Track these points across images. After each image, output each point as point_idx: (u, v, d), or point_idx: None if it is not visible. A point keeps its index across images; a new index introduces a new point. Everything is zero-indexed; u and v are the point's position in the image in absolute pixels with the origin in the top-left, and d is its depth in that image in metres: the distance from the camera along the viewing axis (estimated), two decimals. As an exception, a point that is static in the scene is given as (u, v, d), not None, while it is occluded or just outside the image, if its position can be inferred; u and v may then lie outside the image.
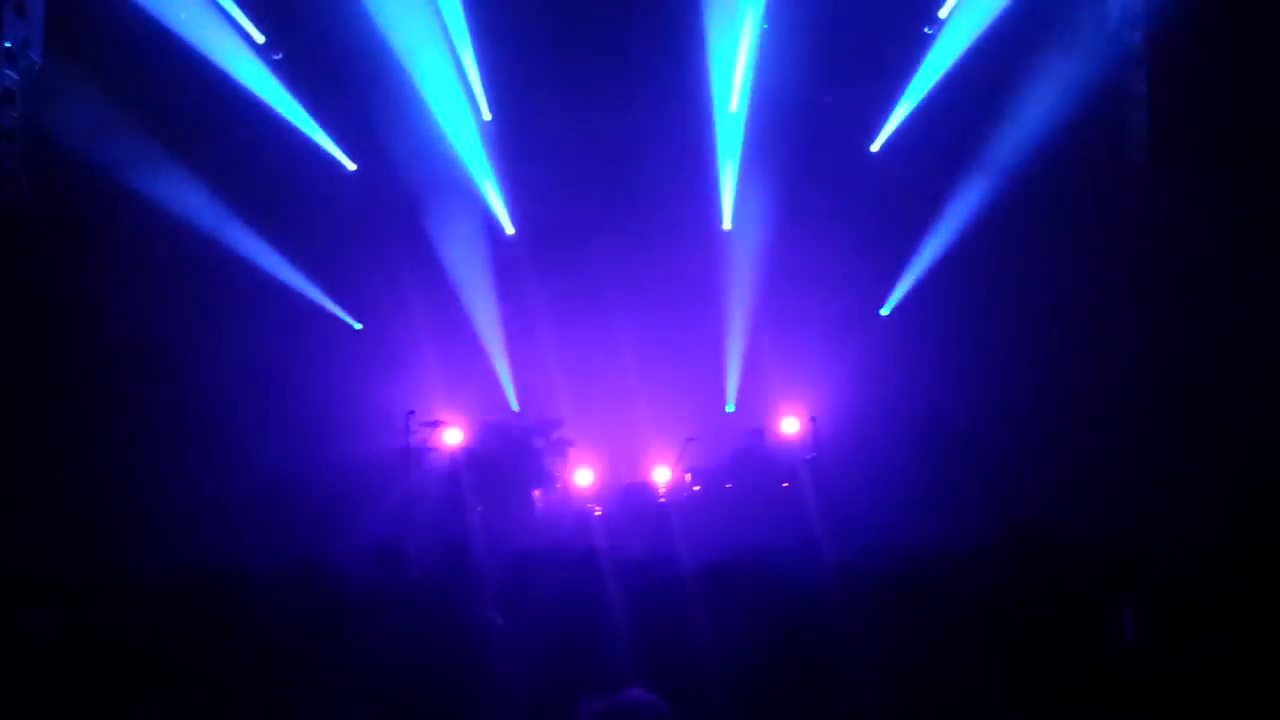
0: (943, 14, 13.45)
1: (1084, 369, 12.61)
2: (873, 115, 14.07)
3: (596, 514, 12.81)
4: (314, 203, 13.84)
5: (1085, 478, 11.55)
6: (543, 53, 13.77)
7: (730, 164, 14.30)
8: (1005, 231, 13.32)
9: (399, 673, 4.82)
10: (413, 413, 13.04)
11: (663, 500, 13.08)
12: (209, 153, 13.25)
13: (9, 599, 5.45)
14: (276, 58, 13.53)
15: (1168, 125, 12.71)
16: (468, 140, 14.22)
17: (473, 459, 13.16)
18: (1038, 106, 12.93)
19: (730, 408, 14.43)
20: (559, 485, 13.64)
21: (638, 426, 13.79)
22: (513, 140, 14.31)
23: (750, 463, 13.21)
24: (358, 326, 14.34)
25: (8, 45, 12.38)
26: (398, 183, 14.02)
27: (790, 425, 13.80)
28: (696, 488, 13.37)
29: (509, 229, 14.68)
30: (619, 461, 14.05)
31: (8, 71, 12.43)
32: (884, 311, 14.24)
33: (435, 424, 13.47)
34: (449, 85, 13.98)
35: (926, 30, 13.57)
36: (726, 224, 14.56)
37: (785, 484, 12.98)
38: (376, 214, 14.10)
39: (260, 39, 13.42)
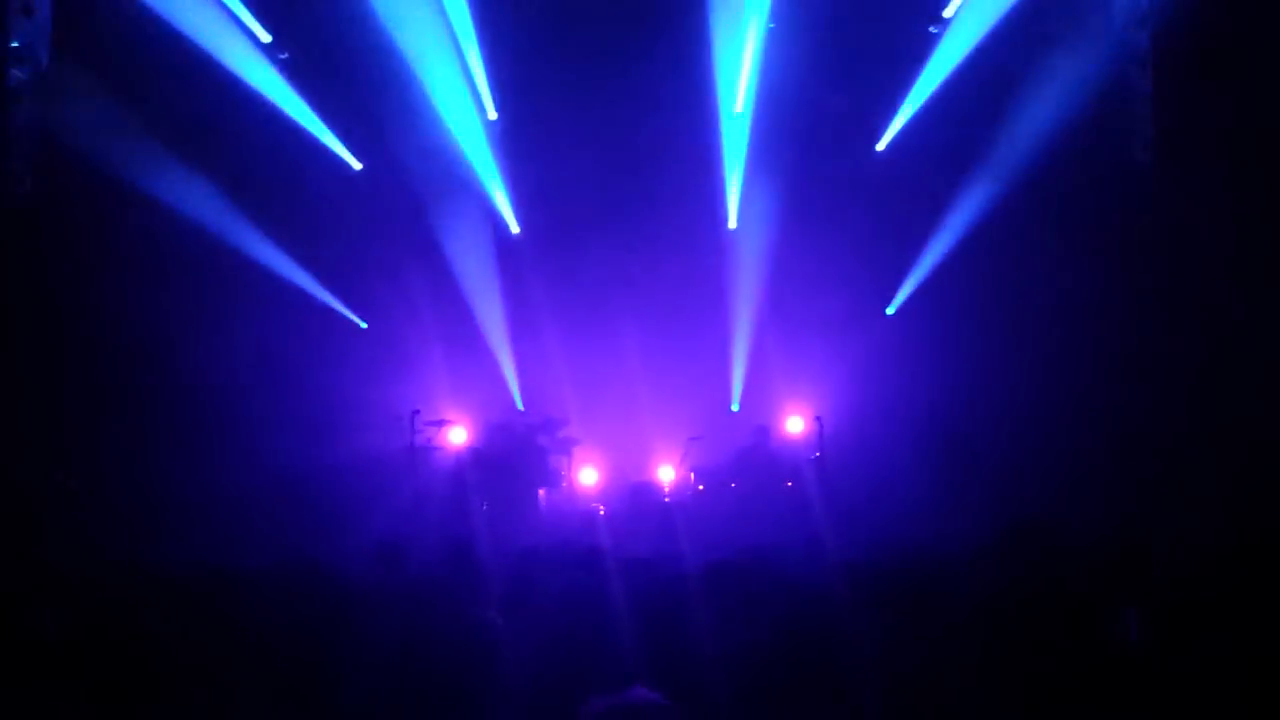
0: (948, 13, 13.43)
1: (1088, 369, 12.62)
2: (878, 115, 14.04)
3: (601, 513, 12.82)
4: (319, 202, 13.84)
5: (1089, 477, 11.55)
6: (548, 53, 13.78)
7: (736, 164, 14.29)
8: (1010, 231, 13.32)
9: (401, 672, 4.83)
10: (418, 412, 13.06)
11: (667, 499, 13.09)
12: (215, 152, 13.26)
13: (13, 597, 5.47)
14: (283, 57, 13.53)
15: (1172, 125, 12.69)
16: (473, 140, 14.21)
17: (478, 458, 13.18)
18: (1042, 106, 12.93)
19: (735, 407, 14.43)
20: (564, 484, 13.65)
21: (642, 425, 13.80)
22: (518, 140, 14.31)
23: (755, 462, 13.22)
24: (363, 325, 14.36)
25: (15, 45, 12.41)
26: (403, 182, 14.03)
27: (795, 425, 13.80)
28: (701, 487, 13.37)
29: (514, 228, 14.68)
30: (624, 460, 14.06)
31: (14, 71, 12.46)
32: (889, 311, 14.24)
33: (440, 423, 13.50)
34: (454, 85, 13.97)
35: (931, 30, 13.55)
36: (732, 224, 14.56)
37: (790, 483, 12.99)
38: (382, 213, 14.11)
39: (266, 38, 13.42)
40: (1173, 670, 4.29)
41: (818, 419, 13.29)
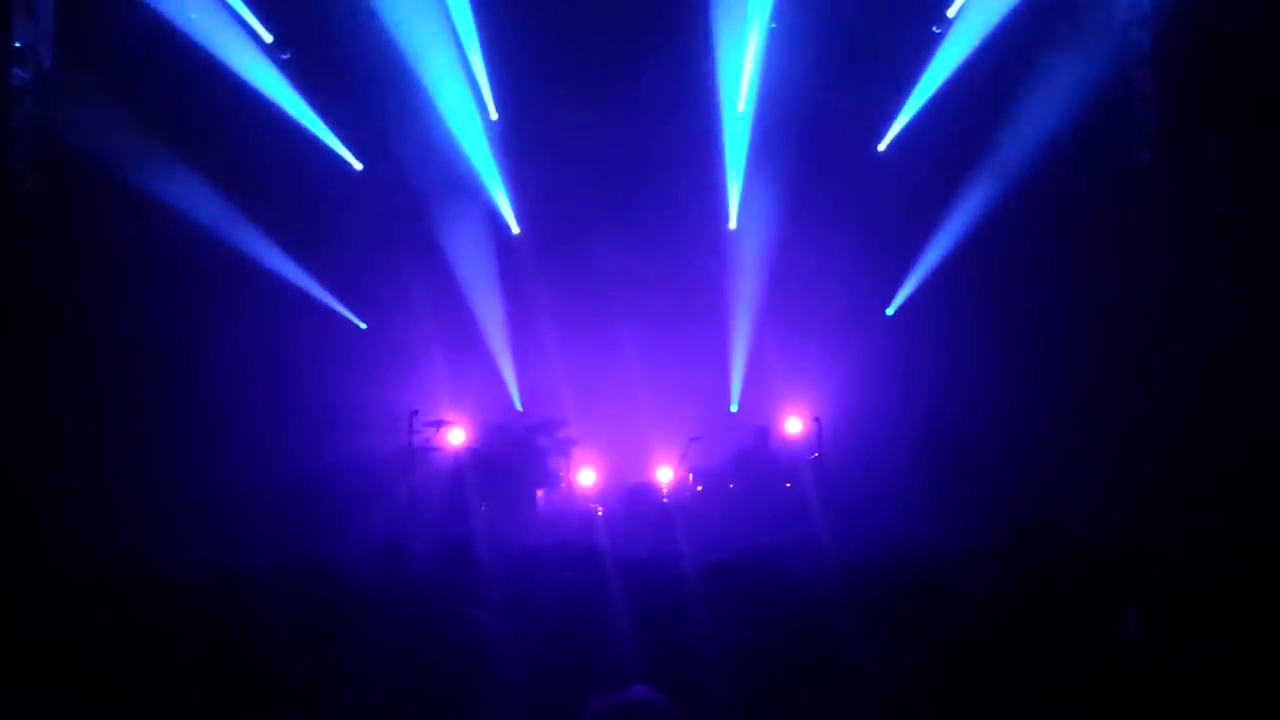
0: (951, 13, 13.44)
1: (1087, 369, 12.62)
2: (880, 115, 14.06)
3: (600, 514, 12.82)
4: (320, 202, 13.85)
5: (1088, 478, 11.55)
6: (549, 53, 13.78)
7: (736, 164, 14.29)
8: (1010, 231, 13.32)
9: (400, 672, 4.83)
10: (417, 412, 13.08)
11: (666, 500, 13.09)
12: (216, 152, 13.27)
13: (13, 597, 5.47)
14: (284, 57, 13.54)
15: (1174, 125, 12.70)
16: (474, 140, 14.23)
17: (476, 459, 13.18)
18: (1043, 106, 12.93)
19: (734, 408, 14.44)
20: (562, 485, 13.66)
21: (641, 426, 13.80)
22: (519, 140, 14.32)
23: (754, 463, 13.22)
24: (363, 326, 14.36)
25: (17, 45, 12.42)
26: (404, 182, 14.04)
27: (794, 425, 13.81)
28: (700, 488, 13.38)
29: (515, 228, 14.69)
30: (622, 461, 14.07)
31: (17, 71, 12.48)
32: (889, 312, 14.24)
33: (439, 424, 13.51)
34: (455, 85, 13.98)
35: (935, 29, 13.56)
36: (732, 224, 14.56)
37: (788, 484, 12.99)
38: (382, 213, 14.12)
39: (268, 38, 13.44)
40: (1173, 670, 4.29)
41: (816, 420, 13.29)
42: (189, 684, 4.77)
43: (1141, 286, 12.53)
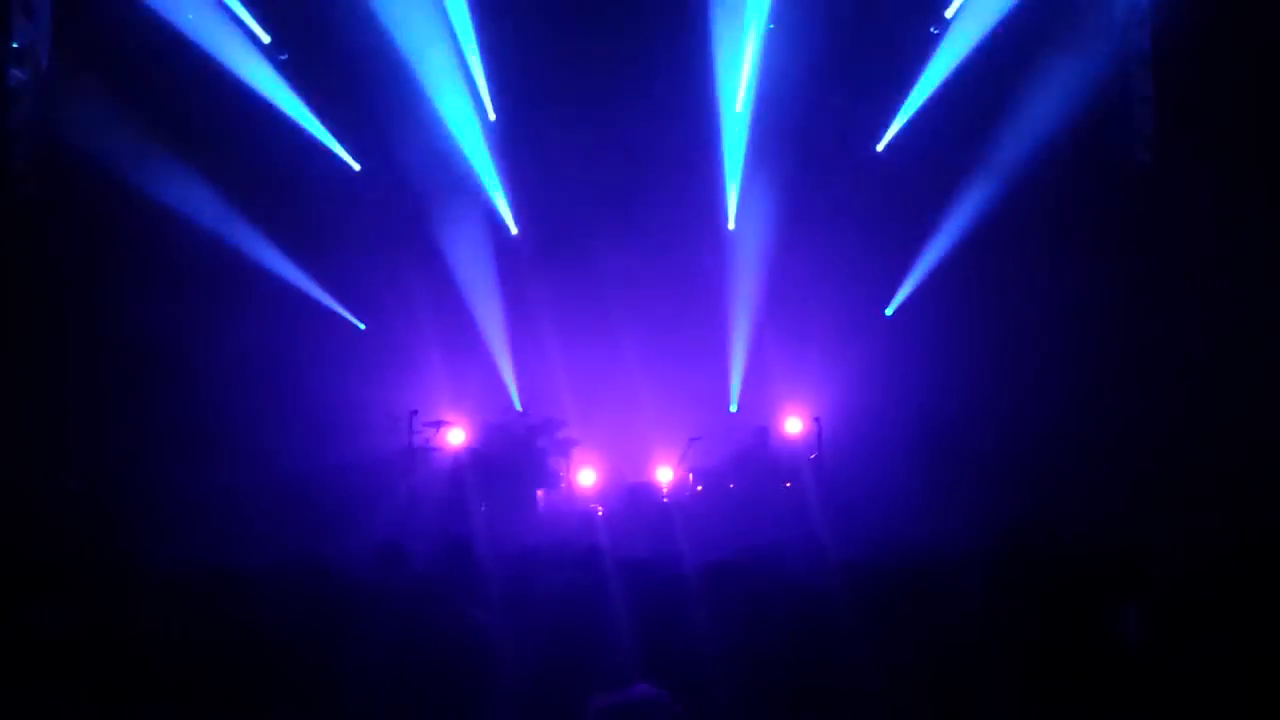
0: (948, 14, 13.45)
1: (1087, 369, 12.62)
2: (878, 115, 14.06)
3: (599, 514, 12.82)
4: (319, 203, 13.85)
5: (1088, 478, 11.55)
6: (547, 54, 13.79)
7: (735, 165, 14.29)
8: (1009, 231, 13.33)
9: (402, 671, 4.83)
10: (416, 412, 13.07)
11: (666, 500, 13.09)
12: (214, 153, 13.27)
13: (15, 596, 5.47)
14: (282, 58, 13.54)
15: (1173, 125, 12.70)
16: (472, 141, 14.22)
17: (476, 459, 13.18)
18: (1042, 106, 12.93)
19: (733, 408, 14.44)
20: (562, 485, 13.65)
21: (641, 426, 13.79)
22: (517, 141, 14.32)
23: (753, 463, 13.22)
24: (362, 326, 14.36)
25: (15, 46, 12.43)
26: (402, 183, 14.03)
27: (793, 425, 13.81)
28: (699, 488, 13.38)
29: (513, 229, 14.69)
30: (622, 461, 14.06)
31: (15, 72, 12.48)
32: (888, 312, 14.24)
33: (439, 424, 13.50)
34: (454, 86, 13.98)
35: (932, 30, 13.56)
36: (731, 224, 14.56)
37: (788, 484, 12.99)
38: (381, 214, 14.11)
39: (266, 39, 13.44)
40: (1173, 670, 4.29)
41: (816, 420, 13.29)
42: (189, 684, 4.77)
43: (1141, 286, 12.54)
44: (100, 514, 11.22)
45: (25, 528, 10.09)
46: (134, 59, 12.71)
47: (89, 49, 12.67)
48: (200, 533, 10.47)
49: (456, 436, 13.67)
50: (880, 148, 14.17)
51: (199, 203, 13.14)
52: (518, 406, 14.28)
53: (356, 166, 14.20)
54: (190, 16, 12.98)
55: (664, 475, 13.66)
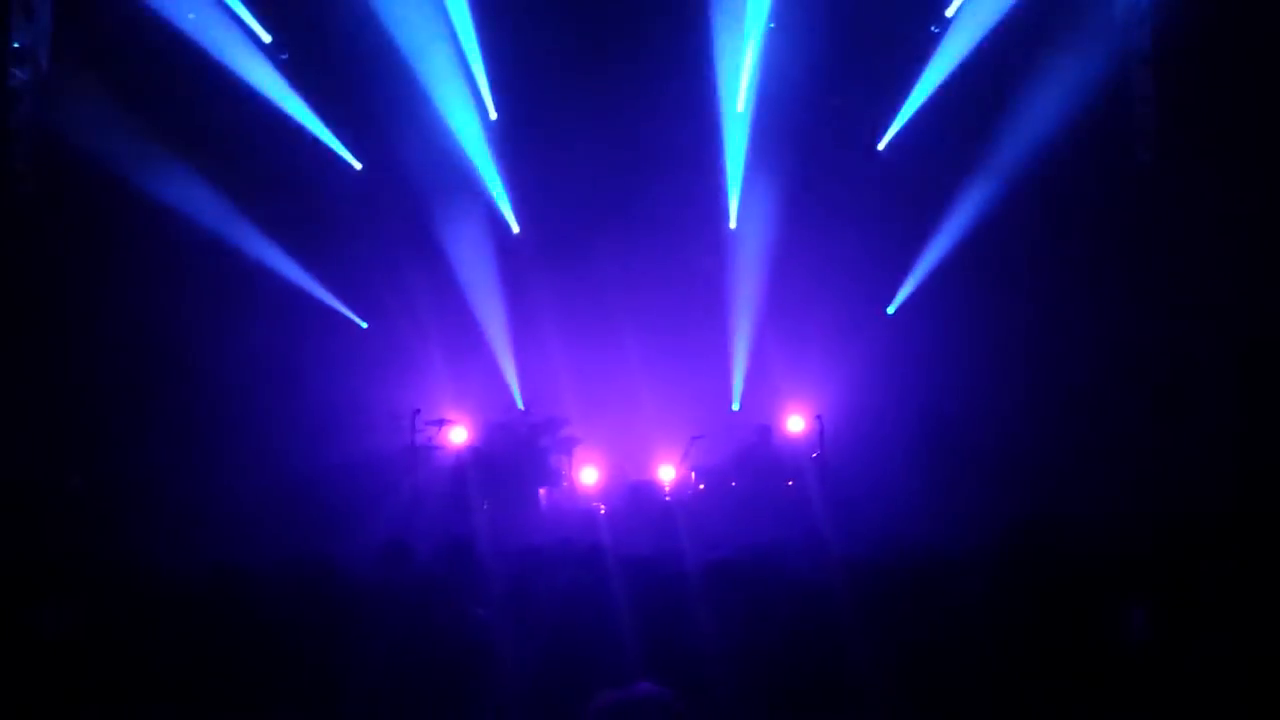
0: (949, 13, 13.45)
1: (1088, 368, 12.62)
2: (879, 115, 14.05)
3: (602, 512, 12.83)
4: (320, 202, 13.85)
5: (1093, 476, 11.55)
6: (549, 53, 13.79)
7: (736, 163, 14.29)
8: (1010, 231, 13.33)
9: (405, 669, 4.84)
10: (419, 411, 13.07)
11: (668, 498, 13.10)
12: (215, 153, 13.28)
13: (17, 596, 5.48)
14: (283, 58, 13.55)
15: (1173, 125, 12.70)
16: (474, 140, 14.22)
17: (479, 457, 13.19)
18: (1044, 106, 12.93)
19: (736, 406, 14.44)
20: (565, 483, 13.66)
21: (643, 425, 13.79)
22: (518, 140, 14.31)
23: (756, 461, 13.22)
24: (364, 325, 14.37)
25: (16, 46, 12.44)
26: (404, 182, 14.03)
27: (796, 424, 13.81)
28: (701, 486, 13.38)
29: (515, 228, 14.69)
30: (624, 460, 14.07)
31: (16, 72, 12.49)
32: (890, 310, 14.24)
33: (441, 423, 13.50)
34: (455, 85, 13.98)
35: (933, 29, 13.56)
36: (732, 223, 14.56)
37: (790, 482, 12.99)
38: (382, 213, 14.12)
39: (267, 39, 13.45)
40: (1174, 670, 4.29)
41: (818, 418, 13.28)
42: (192, 683, 4.78)
43: (1141, 286, 12.54)
44: (102, 514, 11.22)
45: (28, 528, 10.12)
46: (135, 59, 12.73)
47: (89, 49, 12.68)
48: (202, 532, 10.49)
49: (459, 435, 13.68)
50: (881, 147, 14.17)
51: (200, 203, 13.15)
52: (520, 405, 14.28)
53: (358, 166, 14.21)
54: (191, 16, 12.98)
55: (666, 474, 13.67)
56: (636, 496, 12.65)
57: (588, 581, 5.24)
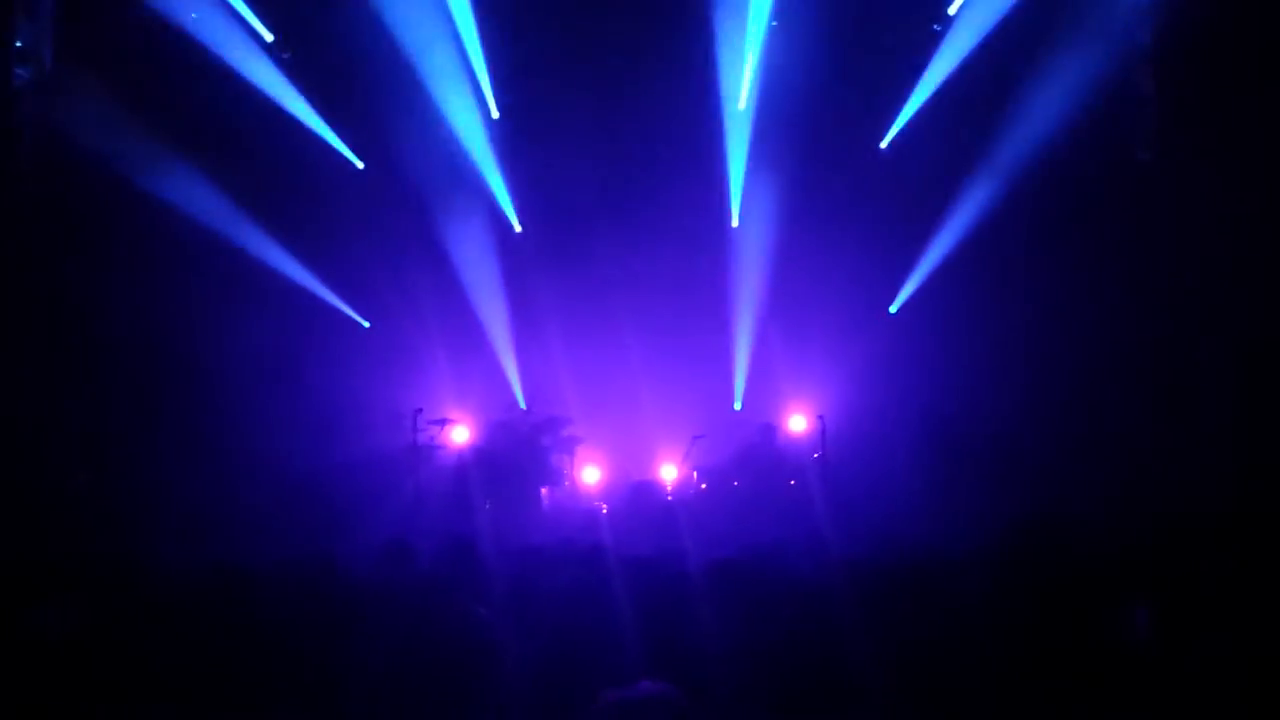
0: (952, 11, 13.45)
1: (1092, 367, 12.62)
2: (881, 113, 14.05)
3: (604, 511, 12.83)
4: (322, 201, 13.85)
5: (1093, 476, 11.55)
6: (550, 51, 13.81)
7: (738, 162, 14.29)
8: (1012, 229, 13.32)
9: (407, 668, 4.84)
10: (420, 410, 13.08)
11: (670, 498, 13.10)
12: (218, 152, 13.28)
13: (20, 596, 5.48)
14: (285, 56, 13.56)
15: (1174, 124, 12.69)
16: (476, 138, 14.22)
17: (481, 457, 13.20)
18: (1045, 105, 12.93)
19: (738, 405, 14.44)
20: (566, 483, 13.66)
21: (645, 424, 13.79)
22: (520, 138, 14.32)
23: (758, 460, 13.22)
24: (366, 324, 14.37)
25: (19, 45, 12.44)
26: (406, 181, 14.03)
27: (798, 423, 13.82)
28: (704, 485, 13.39)
29: (517, 227, 14.69)
30: (626, 459, 14.07)
31: (18, 71, 12.50)
32: (892, 309, 14.24)
33: (443, 422, 13.51)
34: (457, 84, 13.98)
35: (935, 27, 13.56)
36: (734, 222, 14.56)
37: (793, 482, 13.00)
38: (384, 212, 14.12)
39: (269, 38, 13.46)
40: (1175, 670, 4.30)
41: (820, 418, 13.29)
42: (195, 683, 4.79)
43: (1142, 285, 12.53)
44: (105, 513, 11.23)
45: (30, 528, 10.13)
46: (137, 58, 12.73)
47: (92, 48, 12.68)
48: (204, 531, 10.50)
49: (461, 434, 13.69)
50: (884, 145, 14.16)
51: (202, 202, 13.15)
52: (522, 404, 14.29)
53: (360, 164, 14.21)
54: (193, 15, 12.99)
55: (668, 473, 13.68)
56: (638, 496, 12.65)
57: (590, 581, 5.24)
